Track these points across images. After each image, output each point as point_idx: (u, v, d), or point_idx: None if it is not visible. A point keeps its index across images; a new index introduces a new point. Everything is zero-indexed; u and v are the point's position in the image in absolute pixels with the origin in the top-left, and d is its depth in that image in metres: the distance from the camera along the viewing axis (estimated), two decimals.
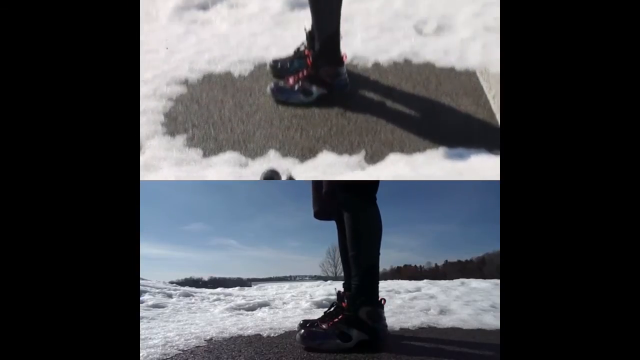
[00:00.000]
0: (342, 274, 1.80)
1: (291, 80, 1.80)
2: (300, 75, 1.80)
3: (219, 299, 3.20)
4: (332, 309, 1.73)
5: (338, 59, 1.79)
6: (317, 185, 1.71)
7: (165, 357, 1.38)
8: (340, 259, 1.79)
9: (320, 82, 1.79)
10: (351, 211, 1.56)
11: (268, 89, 1.83)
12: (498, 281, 2.02)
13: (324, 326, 1.51)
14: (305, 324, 1.72)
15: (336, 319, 1.52)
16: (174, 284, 4.34)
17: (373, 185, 1.62)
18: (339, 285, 1.78)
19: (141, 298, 2.85)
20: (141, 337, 1.62)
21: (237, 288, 4.57)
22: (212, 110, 1.80)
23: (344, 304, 1.56)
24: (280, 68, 1.90)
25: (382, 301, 1.55)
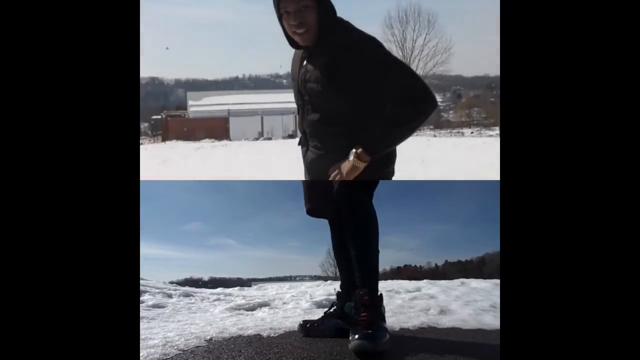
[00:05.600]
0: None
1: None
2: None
3: (219, 299, 3.20)
4: (332, 309, 1.73)
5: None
6: (308, 182, 1.70)
7: (165, 357, 1.38)
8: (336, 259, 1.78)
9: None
10: (360, 212, 1.57)
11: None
12: (498, 281, 2.01)
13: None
14: (305, 324, 1.72)
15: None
16: (174, 284, 4.33)
17: (375, 185, 1.62)
18: (339, 285, 1.78)
19: (141, 298, 2.85)
20: (141, 337, 1.62)
21: (237, 288, 4.56)
22: None
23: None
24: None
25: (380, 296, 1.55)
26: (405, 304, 2.85)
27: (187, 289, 3.78)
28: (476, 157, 12.26)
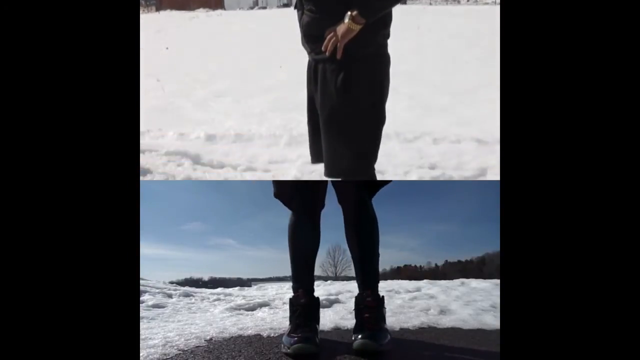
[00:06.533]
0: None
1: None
2: None
3: (219, 299, 3.19)
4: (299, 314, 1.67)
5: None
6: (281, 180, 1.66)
7: (165, 357, 1.38)
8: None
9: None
10: (364, 214, 1.58)
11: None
12: (498, 281, 2.01)
13: None
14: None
15: None
16: (174, 284, 4.32)
17: (378, 188, 1.63)
18: (338, 285, 1.77)
19: (141, 298, 2.84)
20: (141, 337, 1.62)
21: (237, 288, 4.55)
22: None
23: None
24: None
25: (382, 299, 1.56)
26: (405, 304, 2.84)
27: (187, 289, 3.77)
28: (472, 25, 12.20)
